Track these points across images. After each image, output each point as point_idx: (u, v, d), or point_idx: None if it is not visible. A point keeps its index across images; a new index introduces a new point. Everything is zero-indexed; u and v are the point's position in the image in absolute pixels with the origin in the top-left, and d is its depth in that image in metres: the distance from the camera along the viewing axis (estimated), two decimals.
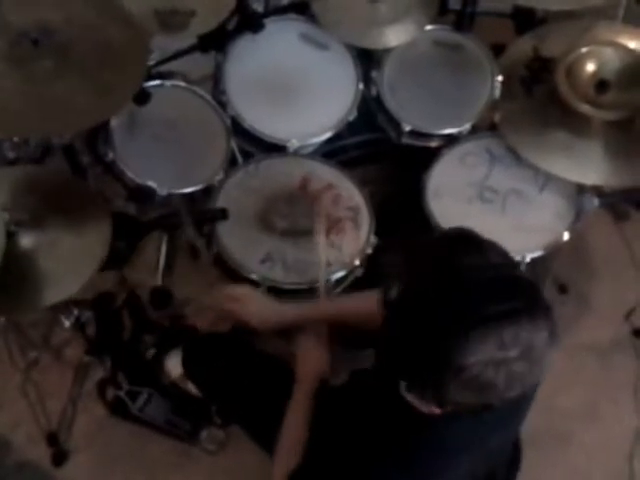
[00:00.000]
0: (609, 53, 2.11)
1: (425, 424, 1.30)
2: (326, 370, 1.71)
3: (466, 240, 1.25)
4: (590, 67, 2.10)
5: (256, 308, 1.79)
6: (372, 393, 1.42)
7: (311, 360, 1.72)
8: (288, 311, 1.79)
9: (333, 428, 1.48)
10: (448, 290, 1.15)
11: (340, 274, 1.98)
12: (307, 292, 1.96)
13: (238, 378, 1.86)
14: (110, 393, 2.25)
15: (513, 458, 1.66)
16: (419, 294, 1.18)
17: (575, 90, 2.06)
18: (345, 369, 1.77)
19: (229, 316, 1.83)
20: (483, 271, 1.17)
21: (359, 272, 2.04)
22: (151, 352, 2.22)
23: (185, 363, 2.01)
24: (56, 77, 1.74)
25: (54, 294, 1.75)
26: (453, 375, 1.13)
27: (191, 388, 2.16)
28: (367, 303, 1.55)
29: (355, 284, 2.03)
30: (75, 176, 2.11)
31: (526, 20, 2.28)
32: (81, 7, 1.83)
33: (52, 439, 2.20)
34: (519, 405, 1.42)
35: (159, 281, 2.29)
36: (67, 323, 2.13)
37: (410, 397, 1.28)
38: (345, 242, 2.02)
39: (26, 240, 1.77)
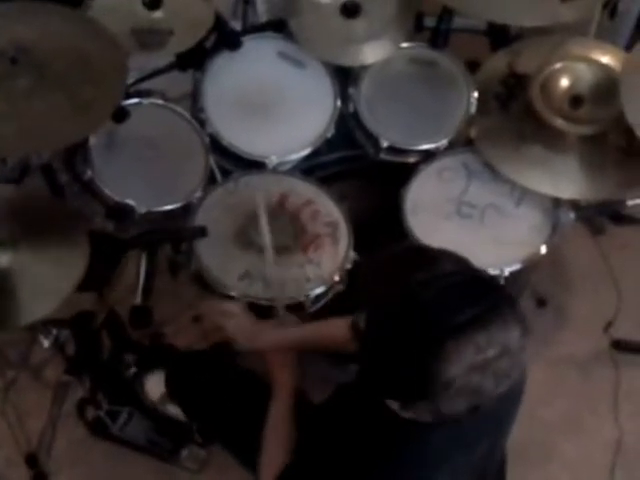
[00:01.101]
0: (582, 69, 2.14)
1: (410, 431, 1.30)
2: (299, 378, 1.71)
3: (414, 255, 1.26)
4: (564, 82, 2.13)
5: (244, 326, 1.79)
6: (357, 403, 1.41)
7: (283, 368, 1.72)
8: (271, 333, 1.79)
9: (318, 441, 1.47)
10: (408, 312, 1.15)
11: (320, 290, 1.98)
12: (288, 308, 1.97)
13: (220, 396, 1.85)
14: (90, 413, 2.24)
15: (500, 471, 1.67)
16: (381, 321, 1.19)
17: (550, 105, 2.09)
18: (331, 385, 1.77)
19: (215, 330, 1.82)
20: (438, 283, 1.16)
21: (340, 288, 2.04)
22: (131, 371, 2.21)
23: (168, 382, 2.00)
24: (35, 95, 1.73)
25: (32, 313, 1.73)
26: (442, 391, 1.14)
27: (171, 410, 2.16)
28: (342, 329, 1.54)
29: (336, 300, 2.04)
30: (53, 195, 2.10)
31: (500, 37, 2.31)
32: (58, 24, 1.83)
33: (32, 460, 2.18)
34: (503, 411, 1.42)
35: (139, 300, 2.27)
36: (46, 343, 2.11)
37: (396, 406, 1.29)
38: (324, 258, 2.03)
39: (4, 259, 1.75)
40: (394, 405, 1.29)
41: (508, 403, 1.42)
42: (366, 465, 1.33)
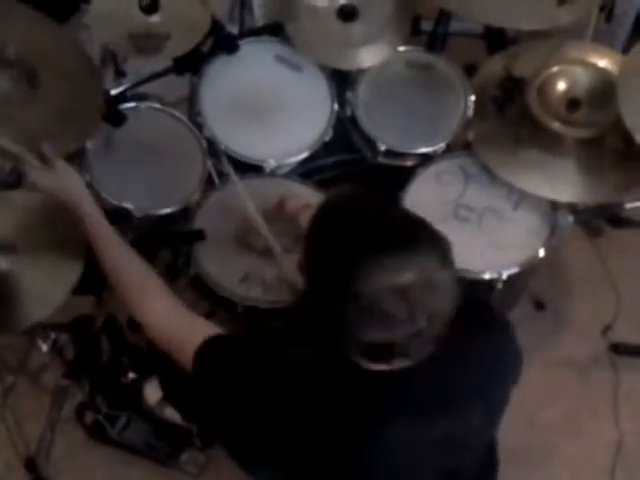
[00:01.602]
0: (579, 72, 2.14)
1: (371, 381, 1.32)
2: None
3: (369, 194, 1.35)
4: (561, 86, 2.13)
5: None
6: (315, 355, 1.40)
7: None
8: None
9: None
10: (331, 228, 1.29)
11: None
12: (286, 311, 1.97)
13: None
14: (89, 417, 2.24)
15: (487, 463, 1.62)
16: (315, 239, 1.32)
17: (547, 109, 2.10)
18: None
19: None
20: (368, 211, 1.28)
21: None
22: (130, 375, 2.21)
23: (163, 385, 2.00)
24: (30, 103, 1.74)
25: (30, 317, 1.74)
26: (351, 304, 1.19)
27: (169, 415, 2.15)
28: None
29: None
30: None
31: (497, 40, 2.31)
32: (36, 36, 1.84)
33: (31, 465, 2.18)
34: (470, 395, 1.40)
35: None
36: (44, 347, 2.11)
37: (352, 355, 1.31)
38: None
39: (2, 263, 1.75)
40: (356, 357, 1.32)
41: (475, 388, 1.40)
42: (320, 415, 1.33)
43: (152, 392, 2.15)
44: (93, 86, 1.86)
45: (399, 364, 1.29)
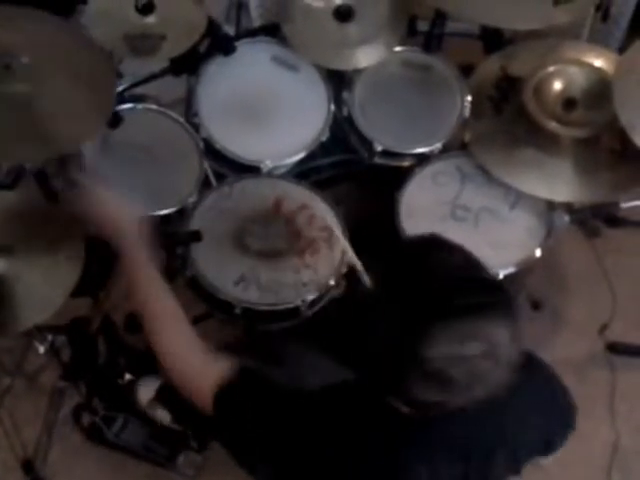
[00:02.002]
0: (575, 72, 2.15)
1: (405, 425, 1.30)
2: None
3: (435, 241, 1.27)
4: (557, 86, 2.14)
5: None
6: (352, 401, 1.39)
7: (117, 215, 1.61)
8: None
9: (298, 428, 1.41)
10: (410, 285, 1.18)
11: (315, 295, 1.98)
12: (282, 313, 1.97)
13: None
14: (86, 419, 2.23)
15: None
16: (385, 290, 1.22)
17: (543, 108, 2.10)
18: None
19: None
20: (446, 268, 1.19)
21: (335, 292, 2.04)
22: (126, 377, 2.20)
23: (162, 388, 2.00)
24: (30, 101, 1.74)
25: (27, 319, 1.73)
26: (416, 368, 1.15)
27: (159, 415, 2.15)
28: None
29: (331, 304, 2.04)
30: (47, 201, 2.10)
31: (494, 40, 2.31)
32: (47, 32, 1.84)
33: (28, 467, 2.17)
34: (496, 442, 1.39)
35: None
36: (41, 349, 2.11)
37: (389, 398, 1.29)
38: (320, 263, 2.03)
39: None
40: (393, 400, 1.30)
41: (507, 432, 1.39)
42: (347, 453, 1.32)
43: (144, 392, 2.15)
44: (106, 80, 1.85)
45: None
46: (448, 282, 1.18)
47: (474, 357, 1.14)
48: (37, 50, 1.79)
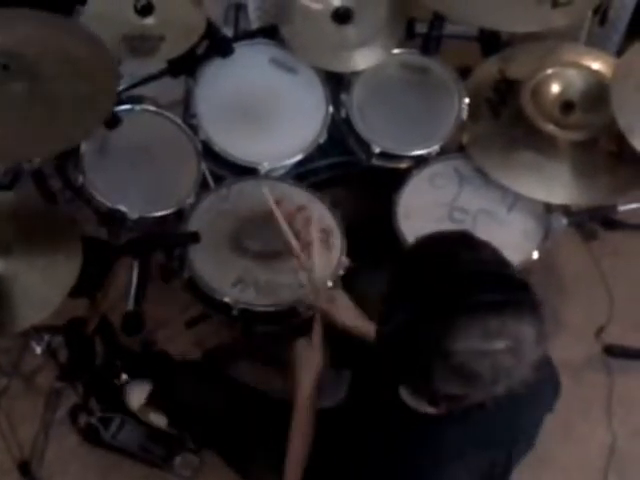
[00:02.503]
0: (573, 75, 2.15)
1: (424, 425, 1.32)
2: (323, 367, 1.69)
3: (464, 237, 1.29)
4: (555, 88, 2.14)
5: (346, 312, 1.77)
6: (372, 403, 1.42)
7: (308, 360, 1.69)
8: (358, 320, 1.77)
9: (335, 447, 1.47)
10: (439, 278, 1.20)
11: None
12: (280, 314, 1.97)
13: (211, 405, 1.85)
14: (82, 420, 2.23)
15: None
16: (411, 283, 1.23)
17: (541, 111, 2.10)
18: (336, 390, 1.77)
19: (323, 316, 1.79)
20: (475, 264, 1.21)
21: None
22: (123, 377, 2.20)
23: (156, 392, 2.00)
24: (28, 101, 1.74)
25: (24, 319, 1.73)
26: (440, 361, 1.16)
27: (153, 420, 2.15)
28: None
29: None
30: (45, 201, 2.10)
31: (491, 43, 2.31)
32: (46, 31, 1.84)
33: (24, 468, 2.17)
34: (516, 427, 1.42)
35: (131, 306, 2.27)
36: (38, 349, 2.11)
37: (409, 399, 1.31)
38: (317, 264, 2.03)
39: None
40: (407, 397, 1.32)
41: (523, 419, 1.43)
42: (381, 461, 1.34)
43: (134, 397, 2.15)
44: (106, 77, 1.86)
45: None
46: (475, 277, 1.19)
47: (498, 352, 1.15)
48: (35, 50, 1.79)
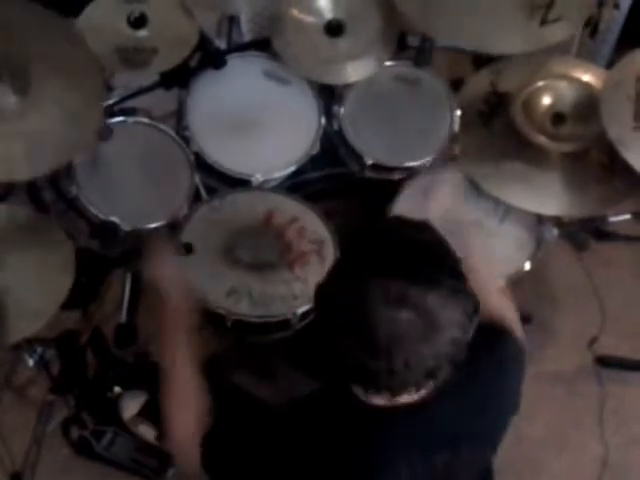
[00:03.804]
0: (564, 87, 2.16)
1: (372, 418, 1.30)
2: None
3: (408, 221, 1.30)
4: (546, 100, 2.15)
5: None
6: (323, 399, 1.39)
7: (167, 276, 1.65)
8: None
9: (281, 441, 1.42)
10: (369, 244, 1.23)
11: (307, 307, 1.98)
12: (273, 325, 1.97)
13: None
14: (75, 432, 2.22)
15: None
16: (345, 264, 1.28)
17: (532, 123, 2.11)
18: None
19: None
20: (408, 238, 1.23)
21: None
22: (115, 390, 2.19)
23: (151, 403, 1.99)
24: (20, 114, 1.74)
25: (17, 332, 1.73)
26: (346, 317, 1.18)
27: (142, 432, 2.14)
28: None
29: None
30: (38, 213, 2.10)
31: (483, 55, 2.32)
32: (43, 40, 1.85)
33: None
34: (465, 425, 1.38)
35: (123, 318, 2.27)
36: (31, 362, 2.10)
37: (359, 390, 1.30)
38: (310, 275, 2.03)
39: None
40: (357, 391, 1.31)
41: (472, 419, 1.38)
42: (325, 456, 1.32)
43: (127, 407, 2.14)
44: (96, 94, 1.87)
45: (398, 400, 1.27)
46: (397, 245, 1.20)
47: (399, 321, 1.14)
48: (27, 63, 1.79)
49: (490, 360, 1.40)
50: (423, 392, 1.28)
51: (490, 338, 1.42)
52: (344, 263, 1.27)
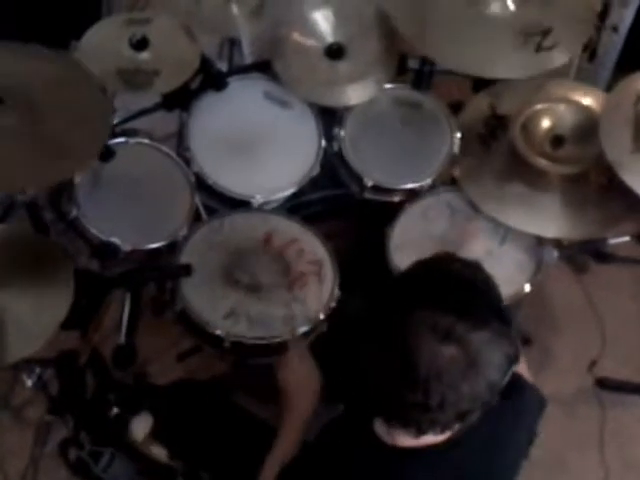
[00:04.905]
0: (563, 110, 2.18)
1: (392, 458, 1.30)
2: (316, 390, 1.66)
3: (452, 257, 1.33)
4: (545, 123, 2.16)
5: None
6: (343, 435, 1.40)
7: (299, 388, 1.66)
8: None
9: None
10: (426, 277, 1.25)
11: (305, 328, 1.98)
12: (272, 347, 1.97)
13: (212, 433, 1.85)
14: (72, 453, 2.20)
15: None
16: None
17: (531, 145, 2.12)
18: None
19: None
20: (463, 276, 1.25)
21: (324, 326, 2.04)
22: (114, 411, 2.18)
23: (157, 421, 1.99)
24: (21, 134, 1.75)
25: (16, 352, 1.72)
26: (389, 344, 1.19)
27: (155, 453, 2.13)
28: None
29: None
30: (38, 233, 2.10)
31: (482, 79, 2.34)
32: (45, 65, 1.86)
33: None
34: (486, 465, 1.39)
35: (122, 339, 2.27)
36: (29, 382, 2.09)
37: (381, 430, 1.30)
38: (309, 296, 2.03)
39: None
40: (380, 429, 1.30)
41: (495, 463, 1.39)
42: None
43: (139, 428, 2.13)
44: (100, 113, 1.88)
45: (422, 440, 1.27)
46: (451, 281, 1.22)
47: (442, 353, 1.14)
48: (29, 83, 1.81)
49: (512, 409, 1.40)
50: (448, 433, 1.27)
51: (513, 388, 1.40)
52: (393, 291, 1.26)
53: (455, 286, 1.21)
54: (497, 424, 1.35)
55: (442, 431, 1.24)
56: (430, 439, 1.26)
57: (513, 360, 1.20)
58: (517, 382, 1.41)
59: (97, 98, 1.89)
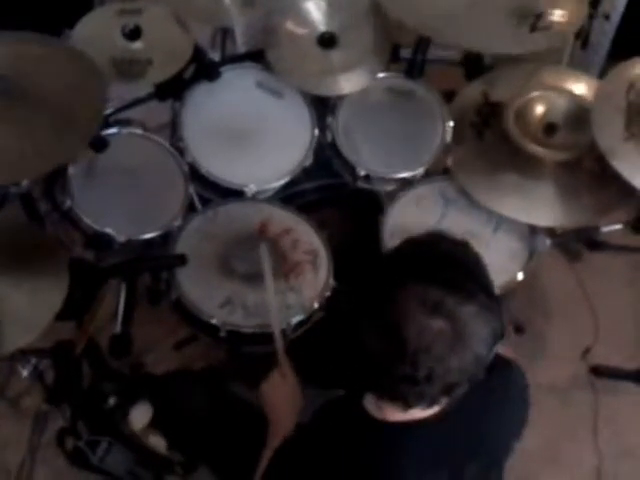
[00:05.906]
0: (556, 97, 2.18)
1: (382, 432, 1.31)
2: (299, 407, 1.67)
3: (442, 236, 1.34)
4: (538, 110, 2.17)
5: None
6: (334, 413, 1.42)
7: (282, 407, 1.68)
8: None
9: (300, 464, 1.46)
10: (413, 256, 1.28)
11: (300, 317, 1.99)
12: (268, 336, 1.97)
13: (210, 422, 1.85)
14: (70, 443, 2.21)
15: None
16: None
17: (525, 133, 2.13)
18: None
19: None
20: (449, 252, 1.26)
21: (318, 315, 2.05)
22: (111, 401, 2.19)
23: (156, 411, 2.00)
24: (11, 122, 1.75)
25: (11, 342, 1.73)
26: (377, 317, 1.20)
27: (153, 442, 2.14)
28: None
29: (314, 327, 2.04)
30: (32, 224, 2.10)
31: (475, 67, 2.34)
32: (35, 51, 1.85)
33: None
34: (475, 446, 1.40)
35: (118, 328, 2.27)
36: (25, 372, 2.09)
37: (372, 407, 1.32)
38: (304, 285, 2.04)
39: None
40: (370, 405, 1.32)
41: (481, 432, 1.40)
42: (339, 468, 1.33)
43: (138, 417, 2.13)
44: (93, 101, 1.88)
45: (411, 415, 1.28)
46: (441, 257, 1.24)
47: (431, 326, 1.16)
48: (22, 69, 1.80)
49: (498, 383, 1.41)
50: (436, 408, 1.29)
51: (498, 364, 1.41)
52: (384, 267, 1.28)
53: (444, 262, 1.23)
54: (485, 399, 1.37)
55: (430, 405, 1.26)
56: (419, 413, 1.28)
57: (499, 335, 1.22)
58: (502, 359, 1.45)
59: (90, 70, 1.89)
